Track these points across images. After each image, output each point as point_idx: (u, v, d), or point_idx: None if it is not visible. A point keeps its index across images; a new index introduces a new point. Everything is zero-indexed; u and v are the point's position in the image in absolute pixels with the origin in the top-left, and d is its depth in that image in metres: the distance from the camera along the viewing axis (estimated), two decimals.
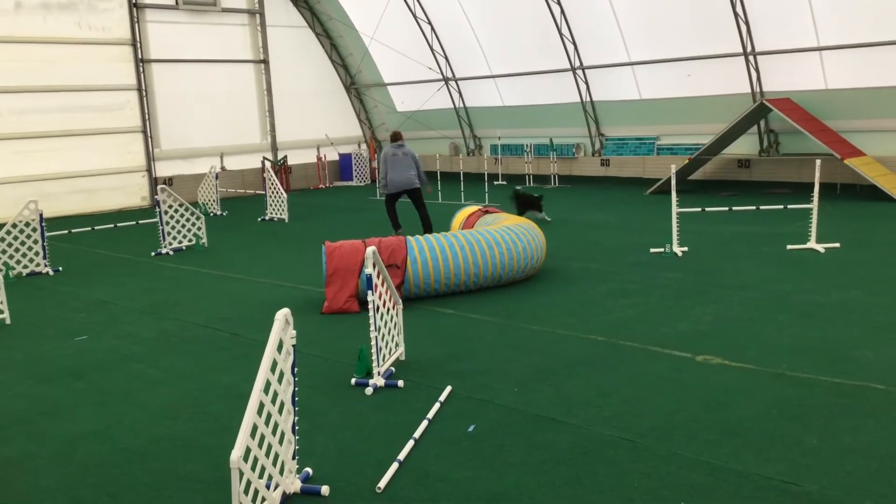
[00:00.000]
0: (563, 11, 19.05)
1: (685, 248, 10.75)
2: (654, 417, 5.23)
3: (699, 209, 11.60)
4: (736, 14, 16.35)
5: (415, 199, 13.02)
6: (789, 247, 10.67)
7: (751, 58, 16.74)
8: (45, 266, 11.51)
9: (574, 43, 19.42)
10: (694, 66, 17.74)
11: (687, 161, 16.77)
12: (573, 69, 19.71)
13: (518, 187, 15.53)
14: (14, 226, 11.24)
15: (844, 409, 5.23)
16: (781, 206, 11.32)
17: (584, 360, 6.49)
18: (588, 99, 20.00)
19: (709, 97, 17.71)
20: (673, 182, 10.78)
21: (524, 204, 14.38)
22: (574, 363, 6.44)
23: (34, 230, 11.39)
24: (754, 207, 11.46)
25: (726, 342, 6.77)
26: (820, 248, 10.47)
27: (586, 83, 19.82)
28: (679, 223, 10.76)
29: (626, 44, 18.63)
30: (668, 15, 17.56)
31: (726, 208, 11.76)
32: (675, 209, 10.65)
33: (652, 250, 10.87)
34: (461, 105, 22.87)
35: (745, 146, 17.58)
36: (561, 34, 19.31)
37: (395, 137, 13.23)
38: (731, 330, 7.15)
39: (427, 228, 12.85)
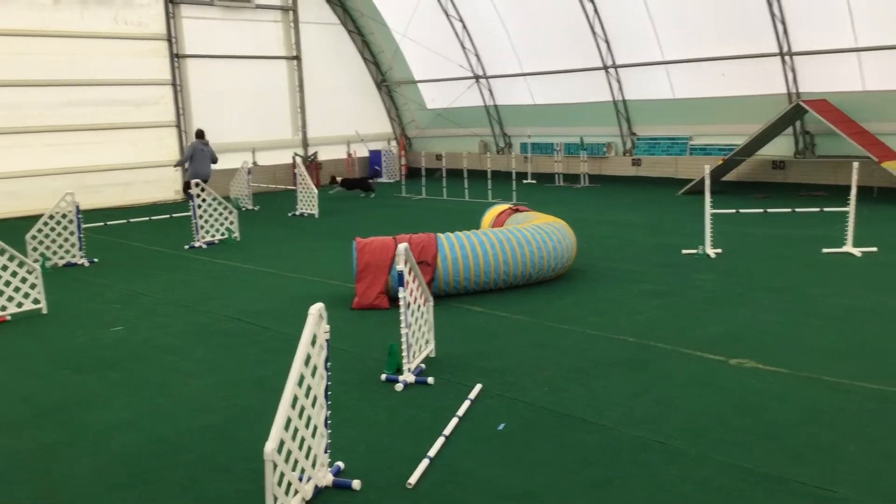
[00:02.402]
0: (596, 10, 18.94)
1: (718, 250, 10.64)
2: (687, 420, 5.19)
3: (733, 210, 11.48)
4: (772, 14, 16.14)
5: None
6: (825, 250, 10.51)
7: (787, 58, 16.51)
8: (82, 257, 11.69)
9: (607, 41, 19.29)
10: (729, 66, 17.53)
11: (721, 162, 16.60)
12: (605, 68, 19.58)
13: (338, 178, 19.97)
14: (51, 217, 11.42)
15: (881, 415, 5.15)
16: (817, 209, 11.17)
17: (615, 361, 6.46)
18: (620, 98, 19.87)
19: (744, 97, 17.49)
20: (707, 182, 10.66)
21: (351, 185, 19.42)
22: (604, 363, 6.40)
23: (71, 222, 11.57)
24: (790, 210, 11.32)
25: (760, 345, 6.69)
26: (857, 251, 10.31)
27: (618, 82, 19.69)
28: (712, 224, 10.65)
29: (660, 42, 18.46)
30: (702, 14, 17.36)
31: (761, 210, 11.63)
32: (708, 210, 10.54)
33: (684, 251, 10.77)
34: (491, 103, 22.84)
35: (780, 147, 17.35)
36: (594, 32, 19.20)
37: (200, 135, 16.60)
38: (765, 333, 7.07)
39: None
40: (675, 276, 9.51)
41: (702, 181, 11.24)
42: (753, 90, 17.25)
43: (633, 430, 5.04)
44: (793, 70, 16.61)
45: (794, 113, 15.91)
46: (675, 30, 18.04)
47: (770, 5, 16.06)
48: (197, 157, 16.19)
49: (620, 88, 19.76)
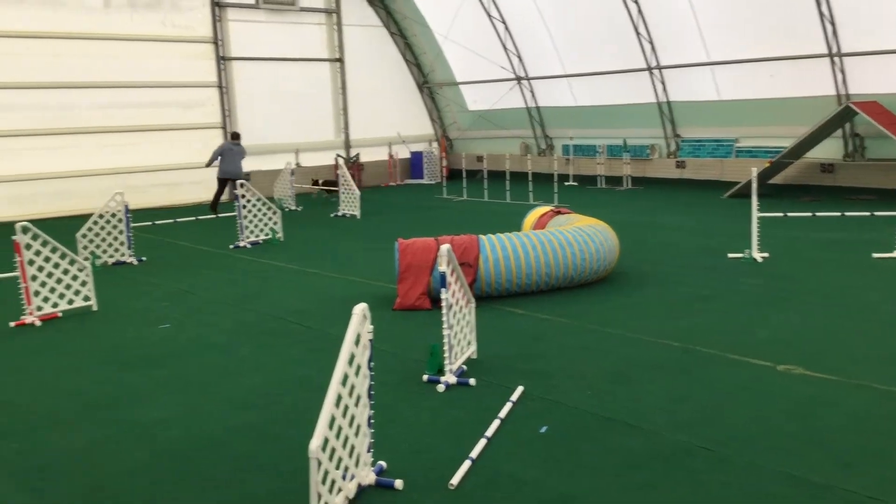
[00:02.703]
0: (640, 10, 18.76)
1: (765, 254, 10.46)
2: (733, 426, 5.10)
3: (780, 214, 11.28)
4: (821, 14, 15.82)
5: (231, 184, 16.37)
6: (875, 255, 10.26)
7: (836, 59, 16.17)
8: (130, 256, 11.93)
9: (651, 42, 19.10)
10: (776, 67, 17.23)
11: (767, 164, 16.31)
12: (649, 69, 19.39)
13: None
14: (101, 216, 11.68)
15: None
16: (867, 213, 10.93)
17: (659, 365, 6.38)
18: (664, 99, 19.65)
19: (791, 99, 17.17)
20: (754, 185, 10.48)
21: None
22: (648, 367, 6.33)
23: (120, 221, 11.81)
24: (839, 213, 11.09)
25: (809, 352, 6.56)
26: None
27: (663, 83, 19.48)
28: (759, 228, 10.46)
29: (706, 43, 18.22)
30: (749, 14, 17.10)
31: (809, 214, 11.40)
32: (755, 213, 10.36)
33: (730, 255, 10.61)
34: (533, 104, 22.76)
35: (828, 150, 17.00)
36: (638, 33, 19.02)
37: (235, 136, 17.31)
38: (814, 339, 6.93)
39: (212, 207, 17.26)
40: (720, 279, 9.37)
41: (748, 184, 11.07)
42: (801, 92, 16.92)
43: (678, 435, 4.98)
44: (842, 71, 16.26)
45: (843, 115, 15.58)
46: (721, 30, 17.78)
47: (819, 5, 15.75)
48: (226, 156, 16.76)
49: (664, 90, 19.54)
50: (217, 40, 20.32)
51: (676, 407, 5.47)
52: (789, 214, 11.38)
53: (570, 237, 8.98)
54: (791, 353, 6.54)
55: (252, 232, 13.32)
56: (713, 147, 19.29)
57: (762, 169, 15.82)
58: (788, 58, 16.87)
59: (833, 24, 15.91)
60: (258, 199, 13.30)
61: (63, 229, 12.25)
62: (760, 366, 6.26)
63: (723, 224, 13.46)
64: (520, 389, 5.88)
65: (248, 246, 13.03)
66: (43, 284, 8.60)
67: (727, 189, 17.44)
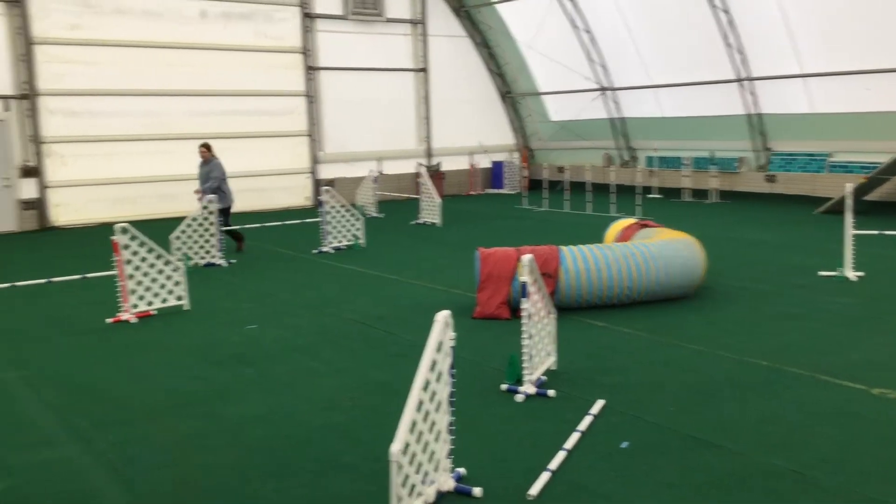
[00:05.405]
0: (730, 20, 18.34)
1: (860, 273, 10.05)
2: (824, 450, 4.93)
3: (876, 232, 10.83)
4: None
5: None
6: None
7: None
8: (220, 258, 12.33)
9: (741, 53, 18.63)
10: (874, 80, 16.55)
11: (863, 180, 15.68)
12: (739, 80, 18.91)
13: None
14: (194, 219, 12.11)
15: None
16: None
17: (745, 384, 6.21)
18: (754, 111, 19.13)
19: (888, 113, 16.46)
20: (848, 201, 10.10)
21: None
22: (734, 386, 6.18)
23: (212, 224, 12.22)
24: None
25: None
26: None
27: (753, 95, 18.96)
28: (854, 246, 10.07)
29: (799, 54, 17.67)
30: (845, 24, 16.50)
31: None
32: (849, 230, 9.97)
33: (821, 273, 10.24)
34: (617, 115, 22.49)
35: None
36: (728, 43, 18.59)
37: (205, 148, 13.28)
38: None
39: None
40: (811, 298, 9.06)
41: (842, 200, 10.67)
42: None
43: (766, 457, 4.84)
44: None
45: None
46: (815, 41, 17.21)
47: None
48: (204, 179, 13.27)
49: (755, 101, 19.03)
50: (306, 50, 20.85)
51: (763, 427, 5.32)
52: (886, 232, 10.91)
53: (655, 250, 8.84)
54: (886, 376, 6.27)
55: (335, 238, 13.58)
56: (805, 161, 18.66)
57: (858, 184, 15.23)
58: (886, 70, 16.19)
59: None
60: (342, 206, 13.56)
61: (160, 231, 12.74)
62: (853, 388, 6.03)
63: (814, 241, 13.00)
64: (600, 403, 5.82)
65: (331, 251, 13.30)
66: (139, 283, 8.98)
67: (819, 205, 16.85)
